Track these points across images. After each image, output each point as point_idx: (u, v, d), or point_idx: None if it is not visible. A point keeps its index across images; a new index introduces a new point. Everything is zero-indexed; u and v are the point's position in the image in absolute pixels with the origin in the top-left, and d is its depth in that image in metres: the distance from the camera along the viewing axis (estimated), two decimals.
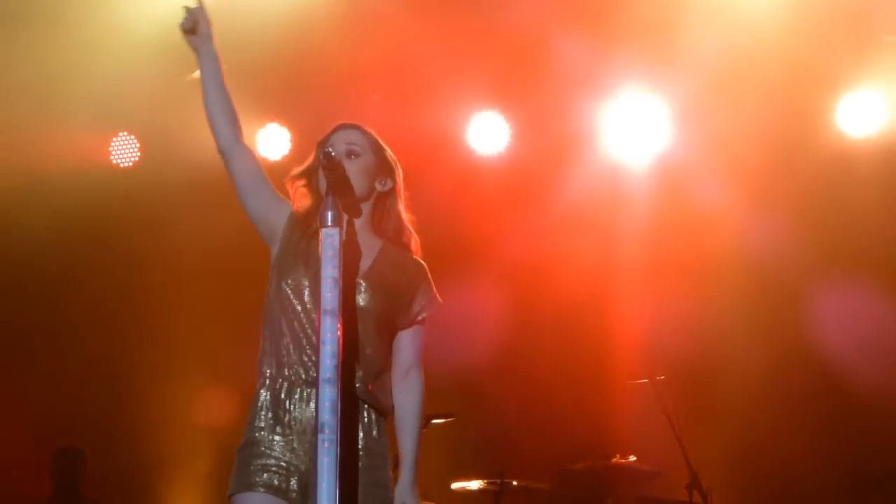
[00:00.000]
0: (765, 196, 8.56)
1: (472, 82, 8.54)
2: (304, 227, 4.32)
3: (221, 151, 4.38)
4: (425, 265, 4.47)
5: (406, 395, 4.37)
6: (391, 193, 4.45)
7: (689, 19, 7.95)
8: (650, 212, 8.72)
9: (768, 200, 8.57)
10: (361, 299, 4.27)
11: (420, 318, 4.41)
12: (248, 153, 4.42)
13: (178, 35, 8.33)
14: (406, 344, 4.40)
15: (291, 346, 4.22)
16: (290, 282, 4.27)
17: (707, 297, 8.73)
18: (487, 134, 8.84)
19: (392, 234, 4.44)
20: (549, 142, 8.80)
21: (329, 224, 3.67)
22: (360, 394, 4.22)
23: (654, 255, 8.72)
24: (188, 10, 4.40)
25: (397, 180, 4.47)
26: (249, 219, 4.42)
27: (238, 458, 4.26)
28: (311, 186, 4.37)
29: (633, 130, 8.59)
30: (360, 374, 4.22)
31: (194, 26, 4.40)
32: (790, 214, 8.54)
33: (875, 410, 8.44)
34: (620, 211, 8.80)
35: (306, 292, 4.24)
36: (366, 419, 4.25)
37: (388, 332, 4.36)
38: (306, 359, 4.18)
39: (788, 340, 8.63)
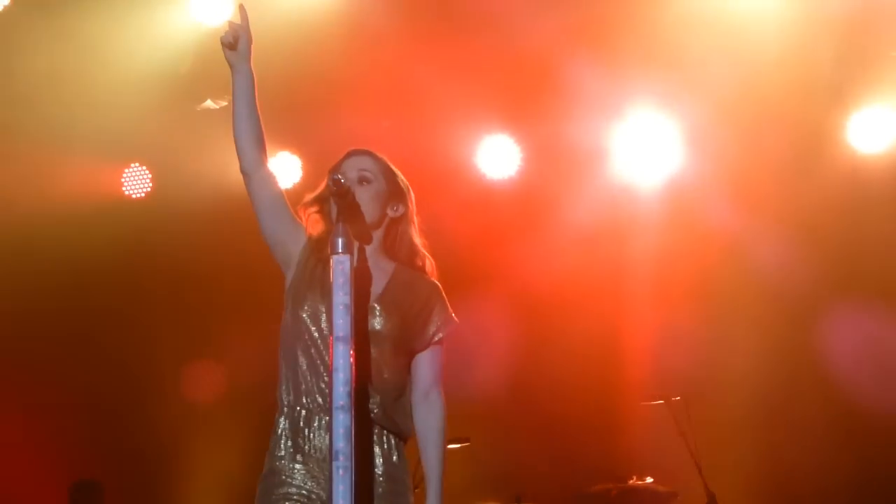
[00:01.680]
0: (776, 215, 8.55)
1: (483, 106, 8.55)
2: (319, 254, 4.29)
3: (244, 172, 4.34)
4: (440, 285, 4.45)
5: (427, 417, 4.34)
6: (403, 219, 4.43)
7: (699, 41, 7.96)
8: (661, 233, 8.71)
9: (779, 219, 8.55)
10: (376, 323, 4.26)
11: (436, 338, 4.39)
12: (271, 177, 4.39)
13: (189, 66, 8.43)
14: (424, 365, 4.38)
15: (309, 374, 4.21)
16: (306, 308, 4.26)
17: (719, 317, 8.72)
18: (498, 158, 8.84)
19: (405, 259, 4.43)
20: (560, 165, 8.80)
21: (339, 251, 3.67)
22: (379, 419, 4.21)
23: (666, 276, 8.71)
24: (231, 25, 4.34)
25: (410, 206, 4.46)
26: (266, 242, 4.40)
27: (260, 488, 4.25)
28: (324, 213, 4.36)
29: (644, 152, 8.59)
30: (377, 399, 4.21)
31: (235, 42, 4.33)
32: (801, 233, 8.53)
33: (889, 429, 8.41)
34: (632, 233, 8.80)
35: (323, 318, 4.22)
36: (385, 444, 4.24)
37: (405, 354, 4.34)
38: (324, 386, 4.16)
39: (801, 360, 8.62)
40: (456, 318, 4.44)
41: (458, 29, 8.14)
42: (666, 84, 8.27)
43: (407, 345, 4.33)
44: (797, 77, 8.05)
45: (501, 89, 8.48)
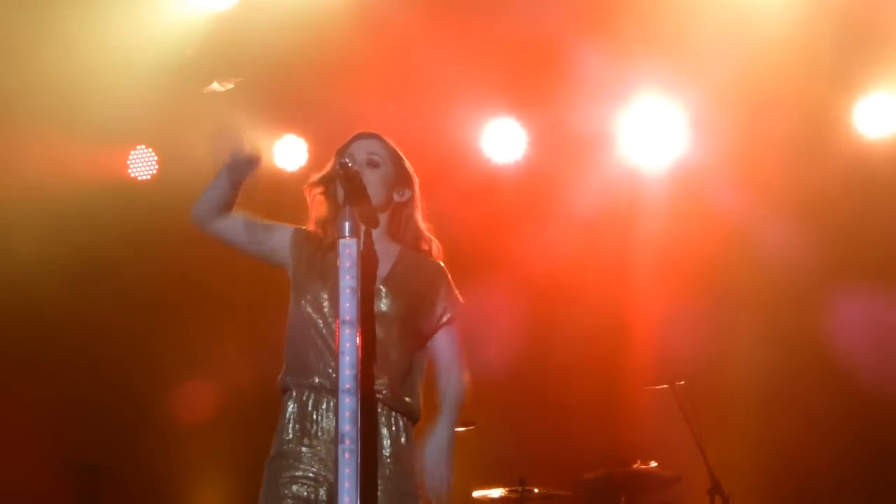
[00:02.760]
0: (782, 200, 8.55)
1: (488, 90, 8.54)
2: (319, 240, 4.34)
3: (198, 224, 4.39)
4: (444, 267, 4.47)
5: (449, 385, 4.38)
6: (409, 204, 4.45)
7: (705, 25, 7.94)
8: (667, 219, 8.71)
9: (785, 204, 8.55)
10: (383, 305, 4.28)
11: (444, 319, 4.40)
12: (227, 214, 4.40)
13: (195, 49, 8.41)
14: (441, 348, 4.41)
15: (315, 358, 4.23)
16: (308, 297, 4.29)
17: (725, 303, 8.71)
18: (503, 141, 8.84)
19: (411, 243, 4.45)
20: (566, 149, 8.80)
21: (347, 235, 3.67)
22: (387, 400, 4.23)
23: (672, 261, 8.71)
24: (250, 156, 4.26)
25: (415, 191, 4.47)
26: (258, 260, 4.43)
27: (267, 472, 4.28)
28: (329, 195, 4.38)
29: (650, 136, 8.59)
30: (385, 380, 4.22)
31: (240, 170, 4.30)
32: (806, 218, 8.52)
33: (894, 413, 8.42)
34: (637, 218, 8.80)
35: (326, 305, 4.25)
36: (393, 426, 4.25)
37: (413, 336, 4.35)
38: (331, 370, 4.17)
39: (807, 345, 8.61)
40: (462, 299, 4.45)
41: (464, 12, 8.12)
42: (672, 69, 8.26)
43: (414, 326, 4.34)
44: (803, 62, 8.03)
45: (507, 73, 8.47)
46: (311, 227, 4.46)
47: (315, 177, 4.47)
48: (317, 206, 4.41)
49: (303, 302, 4.29)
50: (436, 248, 4.49)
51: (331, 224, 4.33)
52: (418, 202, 4.49)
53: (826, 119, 8.43)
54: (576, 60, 8.16)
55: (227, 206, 4.35)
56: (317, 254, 4.31)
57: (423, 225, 4.48)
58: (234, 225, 4.37)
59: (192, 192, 8.88)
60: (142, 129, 8.95)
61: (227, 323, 9.09)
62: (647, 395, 8.05)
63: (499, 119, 8.82)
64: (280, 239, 4.40)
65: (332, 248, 4.21)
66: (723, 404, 8.44)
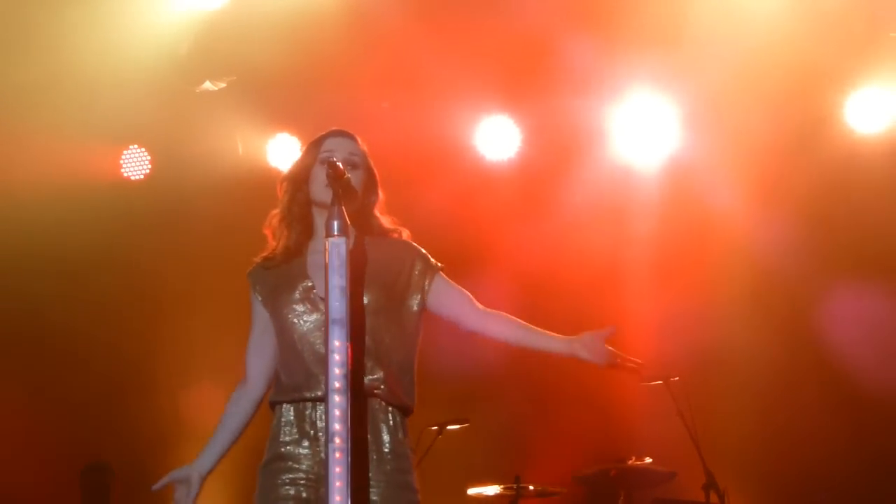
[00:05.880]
0: (774, 195, 8.56)
1: (482, 87, 8.54)
2: (272, 259, 4.39)
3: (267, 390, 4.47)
4: (413, 242, 4.46)
5: (497, 321, 4.46)
6: (376, 206, 4.47)
7: (697, 21, 7.94)
8: (660, 214, 8.72)
9: (777, 200, 8.56)
10: (364, 298, 4.25)
11: (428, 284, 4.38)
12: (255, 366, 4.49)
13: (188, 48, 8.42)
14: (453, 302, 4.42)
15: (308, 361, 4.23)
16: (286, 311, 4.31)
17: (718, 298, 8.73)
18: (497, 139, 8.84)
19: (376, 233, 4.45)
20: (560, 146, 8.80)
21: (336, 233, 3.66)
22: (385, 396, 4.22)
23: (665, 257, 8.73)
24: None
25: (380, 195, 4.49)
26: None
27: (262, 475, 4.29)
28: (293, 195, 4.39)
29: (643, 133, 8.59)
30: (381, 375, 4.21)
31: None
32: (799, 213, 8.54)
33: (889, 408, 8.43)
34: (631, 214, 8.81)
35: (302, 309, 4.28)
36: (391, 422, 4.24)
37: (401, 318, 4.33)
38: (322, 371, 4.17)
39: (800, 340, 8.63)
40: (439, 263, 4.44)
41: (457, 10, 8.12)
42: (665, 66, 8.26)
43: (398, 307, 4.32)
44: (794, 57, 8.03)
45: (501, 70, 8.47)
46: (266, 230, 4.50)
47: (285, 173, 4.50)
48: (279, 235, 4.44)
49: (285, 312, 4.31)
50: (405, 233, 4.48)
51: (294, 226, 4.38)
52: (383, 206, 4.50)
53: (818, 115, 8.44)
54: (569, 57, 8.16)
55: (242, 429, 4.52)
56: (272, 278, 4.39)
57: (386, 221, 4.47)
58: (262, 363, 4.46)
59: (185, 192, 8.93)
60: (134, 129, 8.95)
61: (223, 318, 9.09)
62: (641, 391, 8.05)
63: (492, 116, 8.82)
64: (261, 315, 4.46)
65: (289, 261, 4.34)
66: (717, 400, 8.46)
